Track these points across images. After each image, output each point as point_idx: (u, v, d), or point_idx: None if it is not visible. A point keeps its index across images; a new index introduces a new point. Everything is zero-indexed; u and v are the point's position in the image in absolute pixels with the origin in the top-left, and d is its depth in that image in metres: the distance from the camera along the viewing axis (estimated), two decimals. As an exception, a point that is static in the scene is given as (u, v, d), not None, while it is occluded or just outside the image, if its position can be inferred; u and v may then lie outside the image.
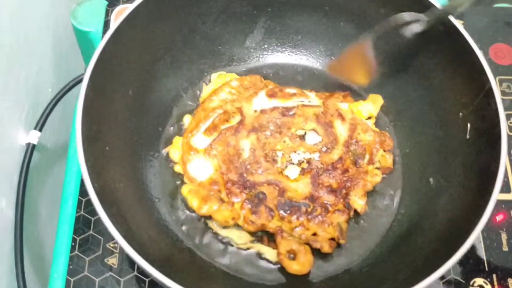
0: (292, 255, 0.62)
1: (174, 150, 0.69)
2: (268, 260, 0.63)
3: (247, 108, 0.70)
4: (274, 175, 0.66)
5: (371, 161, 0.68)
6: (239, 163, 0.66)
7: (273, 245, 0.63)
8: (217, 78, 0.75)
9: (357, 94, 0.75)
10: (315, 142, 0.68)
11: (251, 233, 0.64)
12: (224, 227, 0.64)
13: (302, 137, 0.69)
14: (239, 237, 0.64)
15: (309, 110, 0.70)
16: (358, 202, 0.65)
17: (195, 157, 0.67)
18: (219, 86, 0.73)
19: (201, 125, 0.69)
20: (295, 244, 0.62)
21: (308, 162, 0.67)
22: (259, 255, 0.63)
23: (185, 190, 0.66)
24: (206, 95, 0.73)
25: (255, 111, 0.70)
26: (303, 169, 0.67)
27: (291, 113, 0.70)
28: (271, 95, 0.71)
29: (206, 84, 0.75)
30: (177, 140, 0.69)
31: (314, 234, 0.63)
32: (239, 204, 0.64)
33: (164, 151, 0.70)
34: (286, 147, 0.68)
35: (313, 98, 0.73)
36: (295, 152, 0.67)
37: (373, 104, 0.72)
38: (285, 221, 0.63)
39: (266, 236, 0.64)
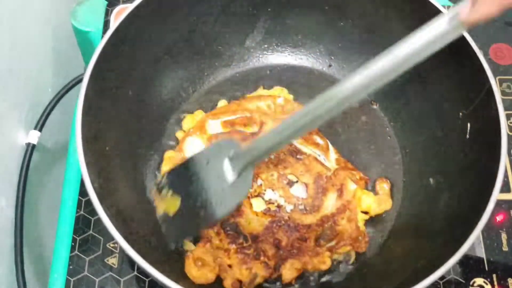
0: (199, 263, 0.60)
1: (167, 166, 0.67)
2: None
3: (268, 126, 0.68)
4: None
5: (331, 249, 0.62)
6: None
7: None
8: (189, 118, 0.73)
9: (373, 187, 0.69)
10: (298, 196, 0.65)
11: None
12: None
13: (291, 183, 0.65)
14: None
15: (317, 166, 0.66)
16: (287, 273, 0.60)
17: (198, 137, 0.68)
18: (268, 95, 0.72)
19: (227, 115, 0.69)
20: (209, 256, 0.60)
21: (278, 207, 0.64)
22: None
23: (167, 154, 0.67)
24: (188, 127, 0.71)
25: None
26: (268, 209, 0.64)
27: (298, 156, 0.66)
28: None
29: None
30: (169, 155, 0.68)
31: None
32: None
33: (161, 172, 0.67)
34: (269, 180, 0.65)
35: (331, 159, 0.68)
36: (272, 190, 0.65)
37: (377, 205, 0.66)
38: (218, 235, 0.61)
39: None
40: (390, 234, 0.66)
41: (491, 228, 0.67)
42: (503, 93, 0.77)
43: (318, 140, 0.69)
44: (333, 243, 0.63)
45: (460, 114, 0.63)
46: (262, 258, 0.61)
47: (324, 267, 0.61)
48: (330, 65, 0.78)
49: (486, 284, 0.64)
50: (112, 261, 0.64)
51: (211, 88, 0.76)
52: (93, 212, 0.66)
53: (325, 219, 0.63)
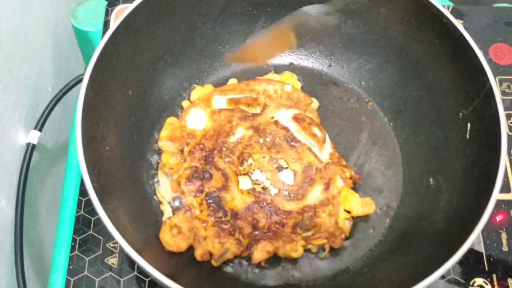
0: (175, 230, 0.62)
1: (166, 132, 0.69)
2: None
3: (270, 111, 0.70)
4: (231, 173, 0.65)
5: (308, 239, 0.62)
6: (221, 140, 0.67)
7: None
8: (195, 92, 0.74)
9: (363, 189, 0.69)
10: (284, 182, 0.65)
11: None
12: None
13: (280, 168, 0.66)
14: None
15: (309, 157, 0.67)
16: (258, 253, 0.61)
17: (202, 109, 0.70)
18: (277, 81, 0.73)
19: (234, 93, 0.71)
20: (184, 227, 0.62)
21: (263, 188, 0.64)
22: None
23: (168, 120, 0.69)
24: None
25: (272, 117, 0.70)
26: (253, 189, 0.64)
27: (293, 144, 0.67)
28: (298, 119, 0.69)
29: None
30: (170, 121, 0.70)
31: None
32: (189, 163, 0.66)
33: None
34: (260, 162, 0.66)
35: (325, 152, 0.69)
36: (261, 171, 0.65)
37: (360, 206, 0.66)
38: (200, 206, 0.63)
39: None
40: (390, 234, 0.66)
41: (491, 228, 0.67)
42: (503, 93, 0.77)
43: (317, 131, 0.69)
44: (309, 233, 0.63)
45: (460, 114, 0.64)
46: (236, 235, 0.62)
47: (295, 255, 0.62)
48: (330, 65, 0.78)
49: (486, 284, 0.64)
50: (112, 261, 0.64)
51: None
52: (93, 212, 0.66)
53: (306, 209, 0.64)
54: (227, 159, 0.66)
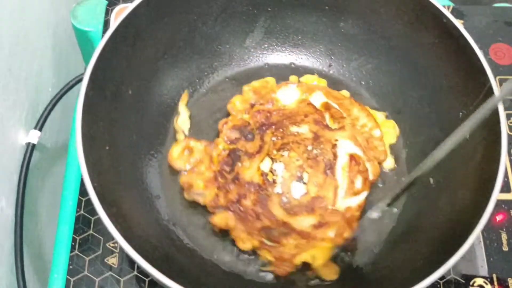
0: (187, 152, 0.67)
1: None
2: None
3: (339, 134, 0.68)
4: (266, 149, 0.67)
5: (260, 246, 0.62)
6: (286, 123, 0.69)
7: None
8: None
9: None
10: (292, 191, 0.64)
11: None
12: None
13: (299, 180, 0.65)
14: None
15: (329, 193, 0.64)
16: (216, 218, 0.63)
17: (299, 92, 0.72)
18: (373, 118, 0.71)
19: (333, 100, 0.72)
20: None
21: (273, 181, 0.64)
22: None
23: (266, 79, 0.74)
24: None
25: (336, 140, 0.68)
26: (267, 174, 0.65)
27: (328, 172, 0.65)
28: (353, 159, 0.66)
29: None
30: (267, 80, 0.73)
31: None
32: (248, 117, 0.70)
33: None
34: (291, 161, 0.66)
35: (345, 203, 0.65)
36: (285, 168, 0.65)
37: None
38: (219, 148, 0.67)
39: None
40: (390, 234, 0.66)
41: (491, 228, 0.67)
42: (503, 93, 0.77)
43: (358, 182, 0.66)
44: (269, 243, 0.62)
45: (460, 114, 0.64)
46: (222, 193, 0.64)
47: (242, 245, 0.62)
48: (330, 65, 0.78)
49: (486, 284, 0.64)
50: (112, 261, 0.64)
51: (211, 88, 0.76)
52: (93, 212, 0.66)
53: (286, 225, 0.62)
54: (274, 138, 0.67)
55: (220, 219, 0.63)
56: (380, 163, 0.69)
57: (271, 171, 0.65)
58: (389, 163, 0.70)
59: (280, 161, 0.66)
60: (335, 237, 0.62)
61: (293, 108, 0.71)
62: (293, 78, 0.76)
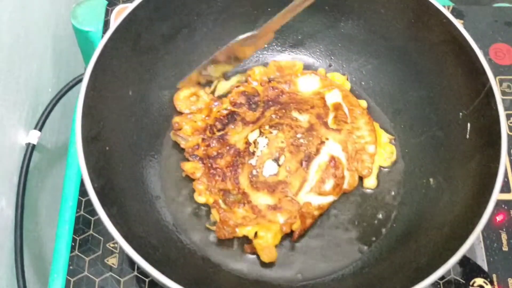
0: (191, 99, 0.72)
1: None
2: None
3: (333, 136, 0.69)
4: (260, 122, 0.70)
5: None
6: (290, 106, 0.71)
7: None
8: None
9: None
10: (264, 167, 0.66)
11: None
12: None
13: (275, 160, 0.66)
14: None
15: (294, 185, 0.65)
16: (186, 164, 0.68)
17: (318, 82, 0.74)
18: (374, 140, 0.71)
19: (347, 103, 0.73)
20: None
21: (252, 152, 0.67)
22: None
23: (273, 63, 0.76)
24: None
25: (327, 138, 0.68)
26: (250, 144, 0.68)
27: (303, 164, 0.66)
28: (333, 161, 0.67)
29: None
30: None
31: None
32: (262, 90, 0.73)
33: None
34: (276, 140, 0.68)
35: (305, 198, 0.65)
36: (267, 144, 0.67)
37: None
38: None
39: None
40: (390, 234, 0.66)
41: (491, 228, 0.67)
42: (503, 93, 0.77)
43: (327, 186, 0.66)
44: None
45: (460, 114, 0.63)
46: (208, 149, 0.68)
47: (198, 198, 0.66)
48: (330, 65, 0.78)
49: (486, 284, 0.64)
50: (112, 261, 0.64)
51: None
52: (93, 212, 0.66)
53: (243, 193, 0.65)
54: (273, 116, 0.69)
55: (191, 166, 0.67)
56: (361, 177, 0.69)
57: (254, 143, 0.68)
58: (371, 182, 0.68)
59: (266, 137, 0.68)
60: (284, 224, 0.63)
61: (305, 97, 0.72)
62: (321, 71, 0.77)
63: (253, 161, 0.67)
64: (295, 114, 0.70)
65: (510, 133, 0.74)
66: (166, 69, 0.72)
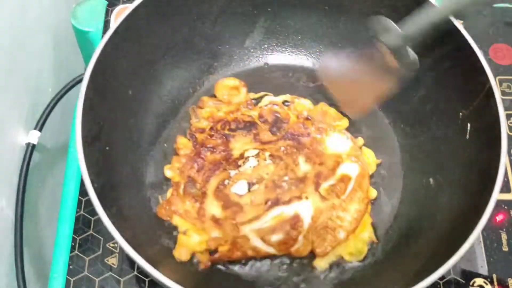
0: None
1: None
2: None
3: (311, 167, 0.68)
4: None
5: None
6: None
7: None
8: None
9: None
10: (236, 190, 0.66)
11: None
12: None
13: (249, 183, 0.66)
14: None
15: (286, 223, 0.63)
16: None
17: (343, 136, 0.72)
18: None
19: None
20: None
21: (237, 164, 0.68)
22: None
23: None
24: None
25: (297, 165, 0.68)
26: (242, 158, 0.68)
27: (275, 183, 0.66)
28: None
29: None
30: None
31: None
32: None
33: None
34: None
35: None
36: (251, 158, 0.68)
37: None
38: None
39: None
40: (389, 234, 0.66)
41: (491, 228, 0.67)
42: (503, 93, 0.77)
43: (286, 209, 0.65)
44: None
45: (460, 114, 0.63)
46: (207, 139, 0.69)
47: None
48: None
49: (486, 284, 0.64)
50: (112, 261, 0.64)
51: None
52: (93, 212, 0.66)
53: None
54: (282, 148, 0.68)
55: (183, 142, 0.69)
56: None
57: (245, 158, 0.68)
58: (322, 264, 0.63)
59: (258, 160, 0.67)
60: (213, 239, 0.62)
61: (325, 151, 0.69)
62: (360, 140, 0.72)
63: (232, 173, 0.67)
64: (300, 159, 0.68)
65: (510, 133, 0.74)
66: (166, 69, 0.72)
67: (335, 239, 0.63)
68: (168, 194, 0.66)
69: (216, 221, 0.63)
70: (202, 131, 0.70)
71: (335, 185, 0.66)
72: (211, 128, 0.70)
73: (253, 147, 0.69)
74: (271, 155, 0.68)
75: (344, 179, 0.67)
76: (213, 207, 0.64)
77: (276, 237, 0.63)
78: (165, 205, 0.65)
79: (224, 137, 0.69)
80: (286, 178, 0.66)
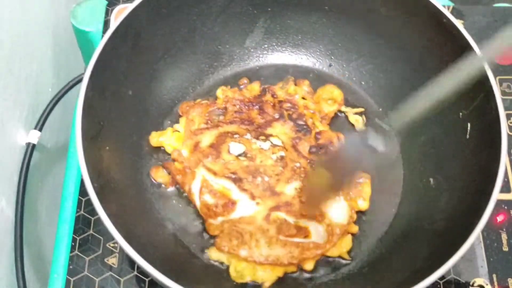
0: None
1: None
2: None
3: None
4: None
5: None
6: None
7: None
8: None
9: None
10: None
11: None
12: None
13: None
14: None
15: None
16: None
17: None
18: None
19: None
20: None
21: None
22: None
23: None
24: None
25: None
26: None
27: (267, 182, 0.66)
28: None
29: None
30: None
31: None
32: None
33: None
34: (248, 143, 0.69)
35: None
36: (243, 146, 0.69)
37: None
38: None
39: None
40: (389, 234, 0.66)
41: (491, 228, 0.67)
42: (503, 93, 0.77)
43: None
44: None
45: (460, 114, 0.63)
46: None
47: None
48: (330, 65, 0.78)
49: (486, 284, 0.64)
50: (112, 261, 0.64)
51: (211, 88, 0.76)
52: (93, 212, 0.66)
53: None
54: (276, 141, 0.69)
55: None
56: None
57: (268, 139, 0.69)
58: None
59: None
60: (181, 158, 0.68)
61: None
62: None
63: (248, 136, 0.69)
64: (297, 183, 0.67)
65: (510, 133, 0.74)
66: (166, 69, 0.72)
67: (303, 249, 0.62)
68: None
69: (197, 149, 0.68)
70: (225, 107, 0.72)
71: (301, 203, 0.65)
72: (206, 122, 0.71)
73: (284, 141, 0.69)
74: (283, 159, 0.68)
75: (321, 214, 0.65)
76: (206, 140, 0.69)
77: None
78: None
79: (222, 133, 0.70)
80: (266, 179, 0.66)
